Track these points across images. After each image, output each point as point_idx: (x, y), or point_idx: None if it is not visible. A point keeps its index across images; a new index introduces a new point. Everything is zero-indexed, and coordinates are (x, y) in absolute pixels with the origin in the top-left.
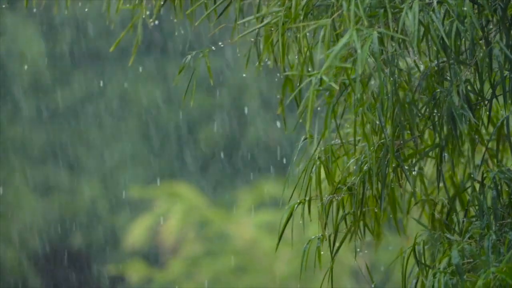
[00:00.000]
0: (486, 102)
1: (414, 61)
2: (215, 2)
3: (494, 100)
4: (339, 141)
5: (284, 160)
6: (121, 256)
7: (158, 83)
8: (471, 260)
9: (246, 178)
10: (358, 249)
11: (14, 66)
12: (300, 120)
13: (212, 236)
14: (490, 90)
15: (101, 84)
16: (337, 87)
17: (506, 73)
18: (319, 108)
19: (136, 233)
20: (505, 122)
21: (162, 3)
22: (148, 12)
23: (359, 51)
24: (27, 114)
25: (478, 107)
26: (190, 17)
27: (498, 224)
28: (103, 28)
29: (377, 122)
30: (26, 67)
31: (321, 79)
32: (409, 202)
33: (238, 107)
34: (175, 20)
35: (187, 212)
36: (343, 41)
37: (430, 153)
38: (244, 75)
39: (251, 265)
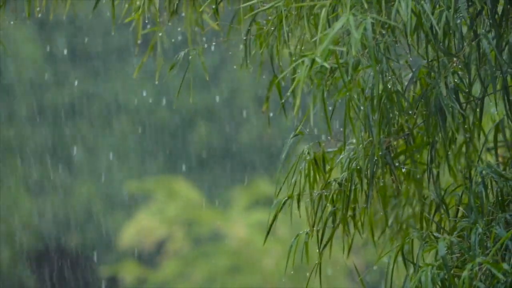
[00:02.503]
0: (477, 100)
1: (406, 61)
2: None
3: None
4: (329, 137)
5: (280, 160)
6: (116, 256)
7: (154, 80)
8: (459, 255)
9: (242, 177)
10: (349, 247)
11: (10, 66)
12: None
13: (206, 236)
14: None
15: (96, 82)
16: (331, 68)
17: (496, 73)
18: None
19: (130, 233)
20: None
21: (171, 13)
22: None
23: (354, 34)
24: (22, 113)
25: (468, 105)
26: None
27: (484, 220)
28: (100, 28)
29: (362, 108)
30: (22, 67)
31: (313, 60)
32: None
33: (234, 105)
34: (179, 29)
35: (182, 212)
36: (338, 24)
37: (419, 151)
38: (237, 72)
39: (246, 264)
